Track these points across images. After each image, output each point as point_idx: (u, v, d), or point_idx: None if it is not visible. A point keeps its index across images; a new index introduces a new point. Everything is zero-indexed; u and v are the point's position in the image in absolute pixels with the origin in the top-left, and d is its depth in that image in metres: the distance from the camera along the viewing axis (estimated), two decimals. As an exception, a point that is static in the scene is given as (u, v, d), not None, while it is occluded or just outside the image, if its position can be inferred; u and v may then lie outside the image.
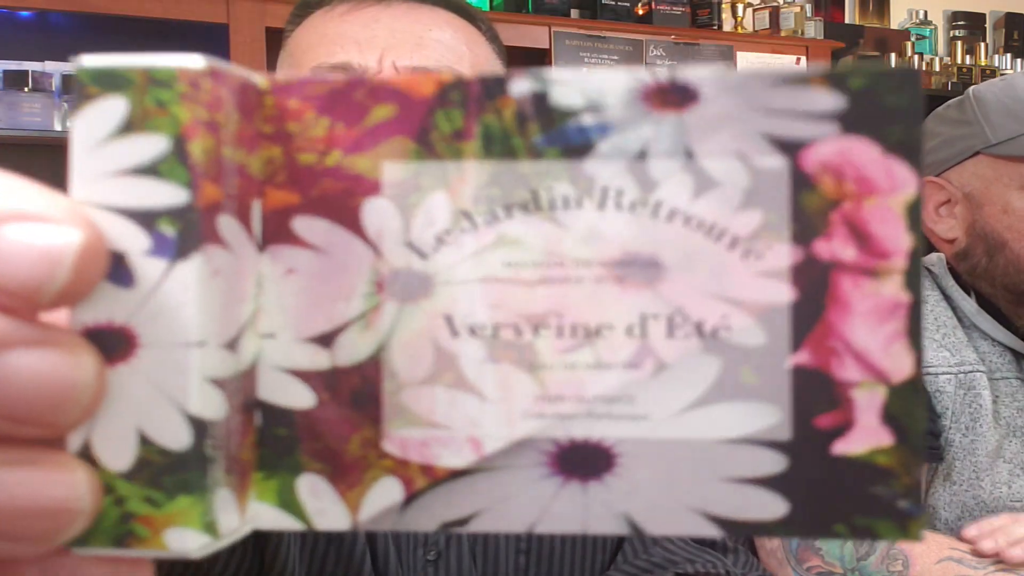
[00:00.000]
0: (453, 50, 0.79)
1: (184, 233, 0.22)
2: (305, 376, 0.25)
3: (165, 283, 0.22)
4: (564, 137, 0.24)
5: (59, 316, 0.25)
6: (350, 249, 0.25)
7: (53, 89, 2.25)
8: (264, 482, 0.25)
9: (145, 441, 0.22)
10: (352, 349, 0.25)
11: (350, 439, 0.25)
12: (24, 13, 2.30)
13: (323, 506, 0.25)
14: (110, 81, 0.23)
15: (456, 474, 0.24)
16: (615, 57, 2.94)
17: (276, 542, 0.74)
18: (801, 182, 0.24)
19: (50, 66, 2.27)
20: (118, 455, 0.22)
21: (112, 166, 0.22)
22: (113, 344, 0.22)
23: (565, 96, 0.25)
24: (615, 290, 0.24)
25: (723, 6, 3.33)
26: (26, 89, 2.22)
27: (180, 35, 2.36)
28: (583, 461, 0.24)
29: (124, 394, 0.22)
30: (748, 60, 3.11)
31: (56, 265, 0.21)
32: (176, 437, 0.22)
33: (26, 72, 2.23)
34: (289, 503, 0.25)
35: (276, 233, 0.25)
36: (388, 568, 0.76)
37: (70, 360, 0.21)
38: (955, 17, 3.85)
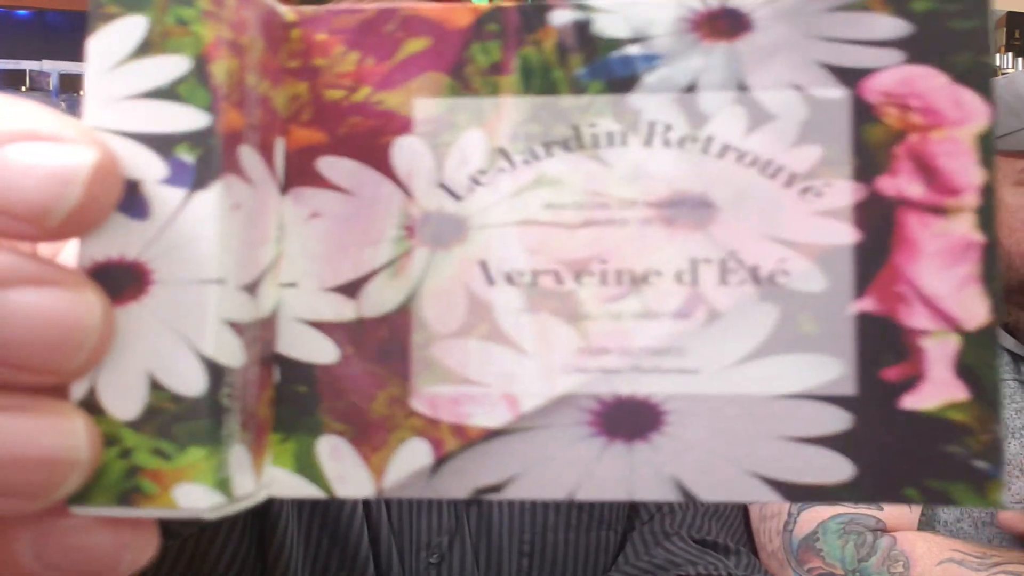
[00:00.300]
0: None
1: (203, 160, 0.21)
2: (328, 328, 0.23)
3: (182, 214, 0.21)
4: (608, 69, 0.23)
5: (65, 253, 0.24)
6: (378, 191, 0.23)
7: (51, 88, 2.24)
8: (281, 444, 0.23)
9: (156, 386, 0.21)
10: (379, 299, 0.23)
11: (375, 397, 0.23)
12: (21, 12, 2.29)
13: (345, 471, 0.23)
14: None
15: (490, 435, 0.23)
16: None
17: (279, 542, 0.72)
18: (863, 114, 0.22)
19: (47, 65, 2.26)
20: (125, 402, 0.21)
21: (128, 89, 0.21)
22: (124, 281, 0.21)
23: (609, 25, 0.23)
24: (663, 233, 0.23)
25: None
26: (23, 88, 2.22)
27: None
28: (629, 420, 0.22)
29: (134, 335, 0.21)
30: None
31: (67, 185, 0.19)
32: (190, 382, 0.21)
33: (23, 71, 2.22)
34: (308, 467, 0.23)
35: (300, 174, 0.23)
36: (391, 571, 0.75)
37: (75, 300, 0.20)
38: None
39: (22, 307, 0.19)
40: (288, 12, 0.23)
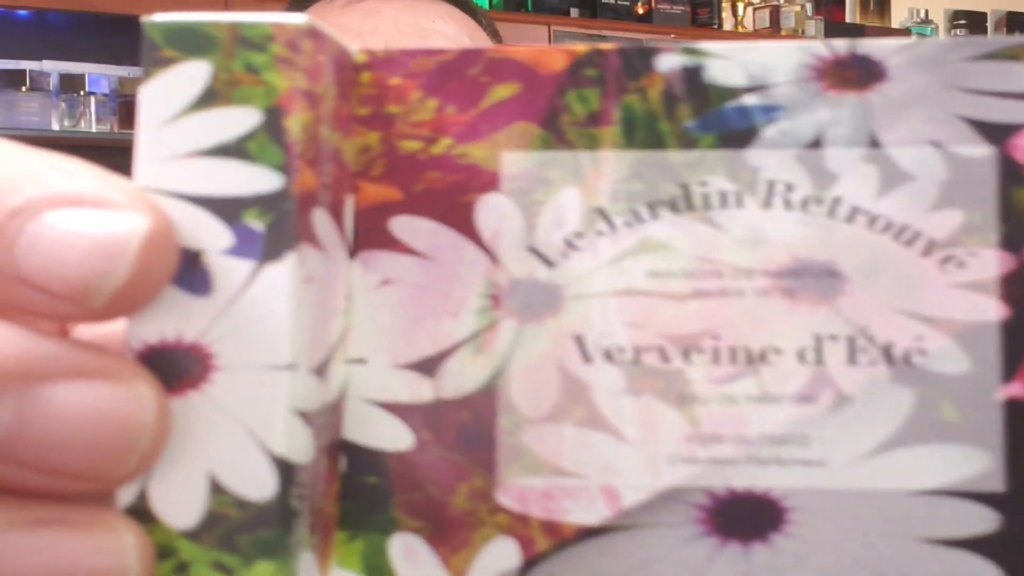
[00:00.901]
0: (456, 43, 0.78)
1: (275, 227, 0.18)
2: (402, 411, 0.21)
3: (249, 289, 0.18)
4: (721, 122, 0.20)
5: (112, 331, 0.21)
6: (460, 255, 0.21)
7: (51, 88, 2.23)
8: (348, 543, 0.21)
9: (217, 490, 0.18)
10: (461, 378, 0.21)
11: (456, 489, 0.20)
12: (22, 12, 2.27)
13: (421, 574, 0.20)
14: (189, 41, 0.18)
15: (587, 533, 0.20)
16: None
17: None
18: (1011, 174, 0.20)
19: (48, 65, 2.25)
20: (182, 508, 0.18)
21: (187, 145, 0.18)
22: (181, 366, 0.18)
23: (723, 73, 0.20)
24: (784, 305, 0.20)
25: (723, 5, 3.32)
26: (23, 88, 2.20)
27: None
28: (745, 517, 0.20)
29: (192, 430, 0.18)
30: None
31: (114, 258, 0.17)
32: (258, 484, 0.18)
33: (23, 71, 2.21)
34: (379, 570, 0.20)
35: (371, 236, 0.21)
36: None
37: (125, 394, 0.17)
38: (956, 16, 3.83)
39: (62, 405, 0.17)
40: (359, 54, 0.21)
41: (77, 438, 0.17)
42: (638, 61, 0.20)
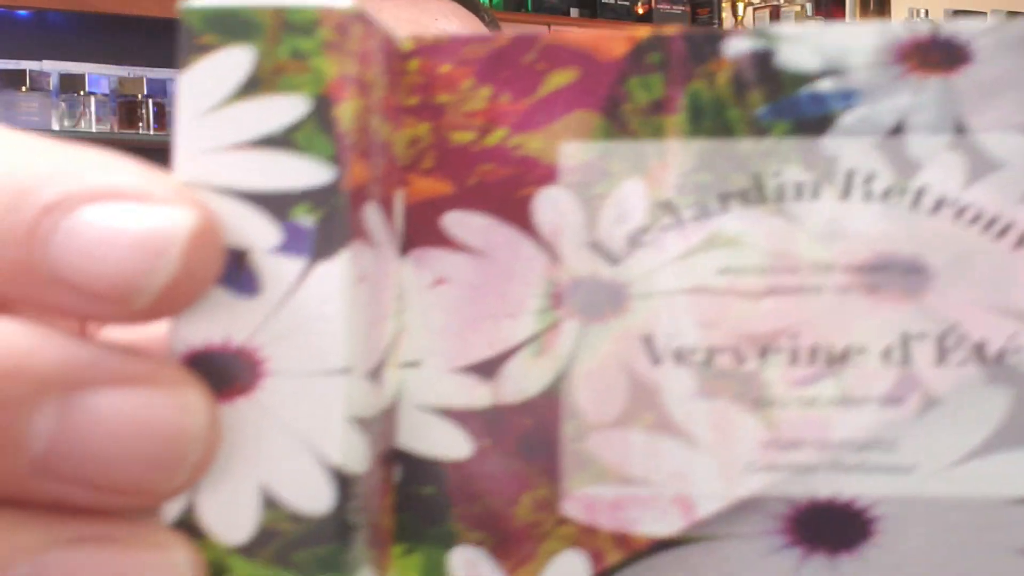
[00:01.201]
0: None
1: (326, 223, 0.17)
2: (459, 417, 0.19)
3: (300, 289, 0.17)
4: (795, 108, 0.19)
5: (153, 335, 0.20)
6: (518, 252, 0.19)
7: (51, 88, 2.22)
8: (405, 558, 0.19)
9: (271, 503, 0.17)
10: (521, 381, 0.19)
11: (518, 500, 0.19)
12: (22, 12, 2.26)
13: None
14: (231, 26, 0.17)
15: (660, 545, 0.19)
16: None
17: None
18: None
19: (47, 65, 2.24)
20: (234, 523, 0.17)
21: (231, 137, 0.17)
22: (229, 372, 0.17)
23: (796, 56, 0.19)
24: (866, 303, 0.19)
25: (723, 5, 3.32)
26: (23, 89, 2.19)
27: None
28: (830, 527, 0.19)
29: (243, 440, 0.17)
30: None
31: (159, 255, 0.15)
32: (314, 497, 0.17)
33: (23, 71, 2.20)
34: None
35: (422, 232, 0.20)
36: None
37: (174, 401, 0.16)
38: (956, 16, 3.83)
39: (106, 415, 0.15)
40: (406, 41, 0.20)
41: (123, 450, 0.15)
42: (705, 45, 0.19)
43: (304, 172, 0.17)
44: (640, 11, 3.11)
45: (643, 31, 0.20)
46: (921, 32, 0.19)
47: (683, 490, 0.19)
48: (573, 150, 0.19)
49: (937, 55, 0.19)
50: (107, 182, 0.16)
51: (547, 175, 0.19)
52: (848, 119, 0.19)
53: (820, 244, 0.19)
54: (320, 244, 0.17)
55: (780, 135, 0.19)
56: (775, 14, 3.40)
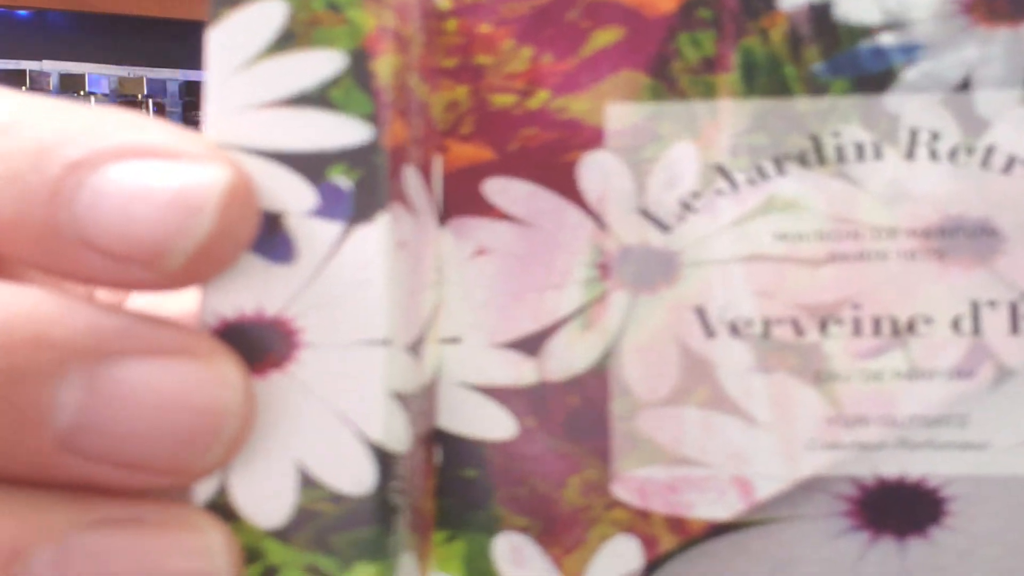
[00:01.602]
0: None
1: (365, 185, 0.16)
2: (502, 395, 0.18)
3: (338, 255, 0.16)
4: (855, 64, 0.18)
5: (182, 304, 0.19)
6: (562, 220, 0.18)
7: (51, 88, 2.20)
8: (447, 544, 0.18)
9: (309, 483, 0.16)
10: (567, 357, 0.18)
11: (566, 483, 0.18)
12: (22, 12, 2.25)
13: None
14: None
15: (718, 529, 0.18)
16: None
17: None
18: None
19: (48, 65, 2.23)
20: (269, 504, 0.16)
21: (263, 94, 0.16)
22: (264, 344, 0.16)
23: (855, 9, 0.18)
24: (933, 269, 0.18)
25: None
26: (23, 88, 2.18)
27: (181, 34, 2.31)
28: (898, 509, 0.18)
29: (278, 415, 0.16)
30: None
31: (194, 213, 0.14)
32: (354, 476, 0.16)
33: (24, 71, 2.19)
34: (482, 574, 0.18)
35: (461, 200, 0.19)
36: None
37: (207, 374, 0.15)
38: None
39: (137, 387, 0.14)
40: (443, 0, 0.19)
41: (153, 425, 0.14)
42: None
43: (340, 131, 0.16)
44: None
45: None
46: None
47: (741, 471, 0.18)
48: (620, 112, 0.18)
49: (1005, 4, 0.18)
50: (136, 139, 0.15)
51: (593, 139, 0.18)
52: (911, 74, 0.18)
53: (883, 207, 0.18)
54: (358, 207, 0.16)
55: (839, 93, 0.18)
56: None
